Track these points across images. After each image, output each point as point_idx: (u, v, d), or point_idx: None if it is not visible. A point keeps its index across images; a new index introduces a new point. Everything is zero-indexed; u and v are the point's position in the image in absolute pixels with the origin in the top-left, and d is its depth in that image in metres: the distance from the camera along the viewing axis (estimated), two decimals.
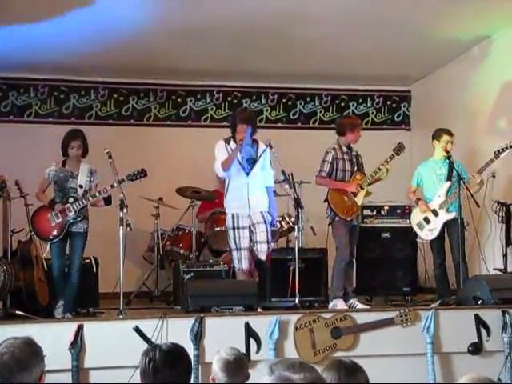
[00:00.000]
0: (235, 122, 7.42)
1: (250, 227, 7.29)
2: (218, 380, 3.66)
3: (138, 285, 9.46)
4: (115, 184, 6.97)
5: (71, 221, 7.06)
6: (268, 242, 7.35)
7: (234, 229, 7.29)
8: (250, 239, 7.30)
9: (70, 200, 7.08)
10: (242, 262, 7.26)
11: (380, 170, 7.70)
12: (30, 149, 9.77)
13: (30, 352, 2.98)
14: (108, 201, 7.18)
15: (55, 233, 7.07)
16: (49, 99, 10.46)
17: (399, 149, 7.84)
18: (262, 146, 7.48)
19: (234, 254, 7.33)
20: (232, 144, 7.39)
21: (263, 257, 7.31)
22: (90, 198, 7.07)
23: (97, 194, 7.05)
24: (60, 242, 7.13)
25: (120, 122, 10.72)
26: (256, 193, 7.37)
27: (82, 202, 7.07)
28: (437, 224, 7.83)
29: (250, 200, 7.29)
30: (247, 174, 7.33)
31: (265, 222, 7.37)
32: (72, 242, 7.21)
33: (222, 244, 8.71)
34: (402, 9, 8.00)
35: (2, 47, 8.75)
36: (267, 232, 7.36)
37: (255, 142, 7.50)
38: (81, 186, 7.20)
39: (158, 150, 10.26)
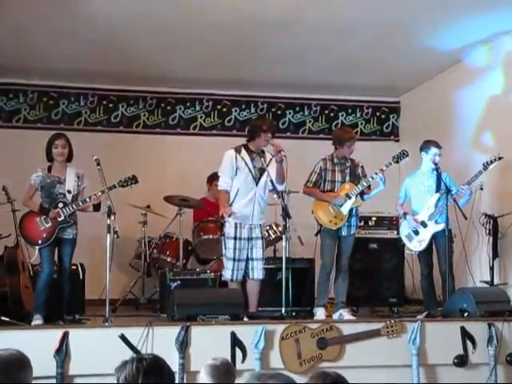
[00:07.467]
0: (259, 130, 7.29)
1: (248, 240, 7.24)
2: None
3: (124, 292, 9.42)
4: (106, 190, 6.89)
5: (60, 226, 6.95)
6: (263, 260, 7.34)
7: (235, 238, 7.20)
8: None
9: (60, 205, 6.95)
10: (238, 274, 7.19)
11: (373, 178, 7.55)
12: (17, 155, 9.71)
13: (17, 366, 2.97)
14: (97, 207, 7.06)
15: (44, 237, 6.91)
16: (38, 105, 10.43)
17: (399, 156, 7.61)
18: (268, 156, 7.36)
19: (230, 264, 7.21)
20: (243, 153, 7.30)
21: (260, 275, 7.27)
22: (80, 204, 6.95)
23: (87, 200, 6.92)
24: (50, 247, 6.96)
25: (109, 129, 10.69)
26: (261, 204, 7.35)
27: (72, 208, 6.95)
28: (426, 235, 7.81)
29: (255, 211, 7.27)
30: (256, 183, 7.30)
31: (262, 237, 7.35)
32: (61, 248, 7.07)
33: (209, 253, 8.69)
34: (392, 19, 8.03)
35: None
36: (263, 249, 7.34)
37: (262, 151, 7.41)
38: (69, 191, 7.06)
39: (147, 157, 10.25)
